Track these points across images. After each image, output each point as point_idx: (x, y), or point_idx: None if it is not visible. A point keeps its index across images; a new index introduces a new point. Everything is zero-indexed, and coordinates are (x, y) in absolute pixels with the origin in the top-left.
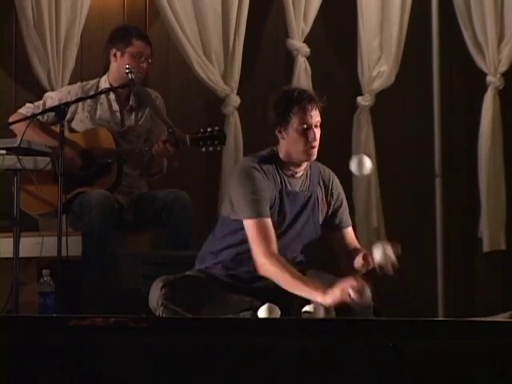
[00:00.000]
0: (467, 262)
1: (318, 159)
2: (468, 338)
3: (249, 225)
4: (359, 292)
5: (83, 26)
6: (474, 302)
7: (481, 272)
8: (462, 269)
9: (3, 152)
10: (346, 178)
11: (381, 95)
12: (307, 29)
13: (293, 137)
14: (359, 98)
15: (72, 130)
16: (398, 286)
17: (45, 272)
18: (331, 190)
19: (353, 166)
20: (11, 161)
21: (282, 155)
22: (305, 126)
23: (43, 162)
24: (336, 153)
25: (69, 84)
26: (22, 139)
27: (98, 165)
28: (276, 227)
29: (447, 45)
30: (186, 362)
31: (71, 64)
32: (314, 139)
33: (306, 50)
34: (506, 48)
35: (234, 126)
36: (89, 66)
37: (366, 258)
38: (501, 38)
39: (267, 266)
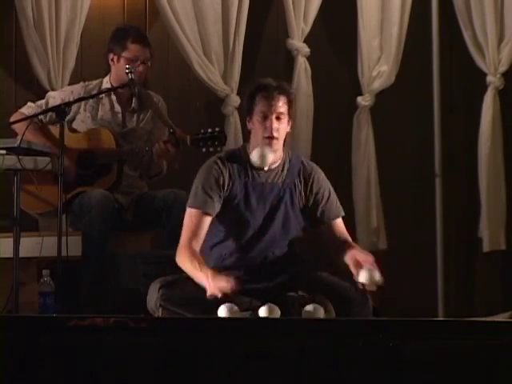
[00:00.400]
0: (467, 262)
1: (317, 159)
2: (468, 338)
3: (187, 213)
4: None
5: (83, 25)
6: (474, 302)
7: (481, 272)
8: (462, 269)
9: (3, 152)
10: (346, 178)
11: (381, 95)
12: (307, 29)
13: (255, 127)
14: (359, 98)
15: (73, 130)
16: (397, 286)
17: (45, 272)
18: (311, 184)
19: (255, 157)
20: (11, 161)
21: (250, 147)
22: (263, 115)
23: (43, 161)
24: (336, 153)
25: (69, 84)
26: (22, 139)
27: (99, 165)
28: (246, 219)
29: (447, 45)
30: (185, 362)
31: (71, 64)
32: (271, 129)
33: (305, 49)
34: (506, 48)
35: (234, 126)
36: (89, 66)
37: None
38: (501, 38)
39: (178, 256)
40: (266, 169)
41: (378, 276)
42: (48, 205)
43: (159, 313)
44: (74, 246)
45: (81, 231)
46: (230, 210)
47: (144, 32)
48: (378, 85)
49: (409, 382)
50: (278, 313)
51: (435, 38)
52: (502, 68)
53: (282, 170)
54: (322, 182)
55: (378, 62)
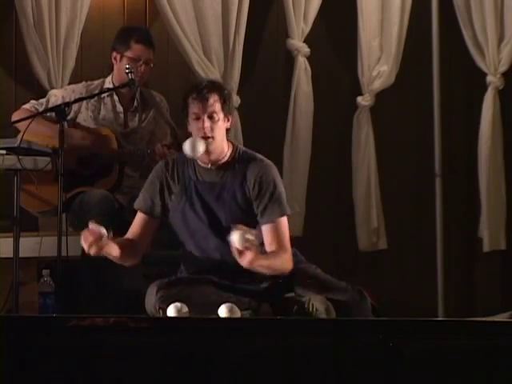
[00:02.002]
0: (467, 262)
1: (317, 159)
2: (468, 337)
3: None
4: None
5: (83, 25)
6: (474, 302)
7: (481, 272)
8: (462, 269)
9: (3, 152)
10: (346, 177)
11: (381, 95)
12: (307, 29)
13: (191, 127)
14: (359, 98)
15: (75, 126)
16: (397, 286)
17: (45, 272)
18: (254, 182)
19: (187, 147)
20: (11, 161)
21: None
22: (195, 116)
23: (43, 161)
24: (336, 153)
25: (69, 83)
26: (22, 139)
27: (100, 165)
28: (195, 219)
29: (447, 45)
30: (186, 362)
31: (71, 64)
32: (203, 129)
33: (305, 49)
34: (506, 48)
35: (234, 125)
36: (89, 65)
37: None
38: (501, 38)
39: None
40: (209, 167)
41: (251, 235)
42: (48, 204)
43: (158, 315)
44: (74, 246)
45: (81, 231)
46: (178, 211)
47: (150, 33)
48: (378, 85)
49: (409, 382)
50: (237, 313)
51: (435, 38)
52: (502, 68)
53: (227, 169)
54: (267, 182)
55: (378, 62)
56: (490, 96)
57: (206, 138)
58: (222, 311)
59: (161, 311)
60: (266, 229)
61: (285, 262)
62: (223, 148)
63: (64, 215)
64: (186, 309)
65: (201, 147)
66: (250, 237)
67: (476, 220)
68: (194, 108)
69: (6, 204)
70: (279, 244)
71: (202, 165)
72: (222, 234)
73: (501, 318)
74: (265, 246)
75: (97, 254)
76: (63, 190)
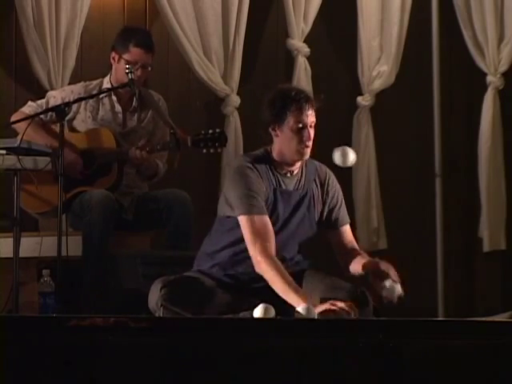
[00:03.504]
0: (467, 262)
1: (317, 159)
2: (468, 337)
3: (243, 221)
4: (348, 310)
5: (83, 25)
6: (474, 301)
7: (481, 272)
8: (462, 269)
9: (3, 152)
10: (347, 177)
11: (381, 95)
12: (307, 29)
13: (287, 136)
14: (359, 98)
15: (73, 130)
16: None
17: (45, 272)
18: (327, 187)
19: (336, 157)
20: (11, 161)
21: (275, 154)
22: (300, 125)
23: (43, 161)
24: None
25: (69, 84)
26: (22, 139)
27: (99, 164)
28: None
29: (447, 45)
30: (186, 362)
31: (71, 64)
32: (309, 139)
33: (305, 49)
34: (506, 48)
35: (234, 126)
36: (89, 66)
37: (374, 268)
38: (501, 38)
39: (263, 265)
40: (289, 175)
41: (400, 289)
42: (48, 205)
43: (160, 312)
44: (74, 245)
45: (81, 231)
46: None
47: (150, 36)
48: (378, 85)
49: (409, 382)
50: (272, 313)
51: (435, 38)
52: (502, 68)
53: (301, 176)
54: (336, 186)
55: (378, 62)
56: (490, 96)
57: (308, 147)
58: (258, 312)
59: (162, 309)
60: (345, 229)
61: None
62: None
63: (64, 215)
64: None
65: (353, 156)
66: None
67: (476, 220)
68: (297, 117)
69: (5, 204)
70: (356, 245)
71: (282, 172)
72: (283, 238)
73: (501, 317)
74: (345, 244)
75: None
76: (63, 190)
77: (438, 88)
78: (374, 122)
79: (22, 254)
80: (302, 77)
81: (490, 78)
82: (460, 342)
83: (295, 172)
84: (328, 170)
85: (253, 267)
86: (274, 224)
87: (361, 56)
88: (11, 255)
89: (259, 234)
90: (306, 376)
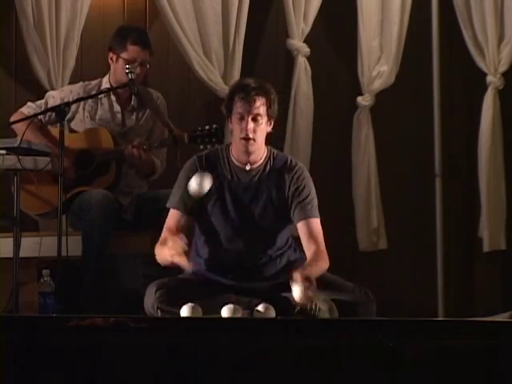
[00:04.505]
0: (467, 262)
1: (317, 159)
2: (468, 337)
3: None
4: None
5: (83, 25)
6: (474, 302)
7: (481, 272)
8: (462, 269)
9: (3, 152)
10: (346, 177)
11: (381, 95)
12: (307, 29)
13: (234, 127)
14: (359, 98)
15: (72, 130)
16: (397, 286)
17: (45, 272)
18: (292, 181)
19: (192, 185)
20: (11, 161)
21: (231, 147)
22: (240, 116)
23: (43, 161)
24: (336, 153)
25: (69, 84)
26: (22, 139)
27: (97, 164)
28: (226, 219)
29: (447, 45)
30: (185, 362)
31: (71, 64)
32: (247, 130)
33: (305, 49)
34: (506, 48)
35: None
36: (89, 66)
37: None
38: (501, 38)
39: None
40: (247, 168)
41: (302, 293)
42: (48, 205)
43: (157, 315)
44: (74, 245)
45: (81, 231)
46: (211, 210)
47: (146, 34)
48: (378, 85)
49: (409, 382)
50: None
51: (435, 38)
52: (502, 68)
53: (264, 170)
54: (304, 181)
55: (378, 62)
56: (489, 96)
57: (247, 139)
58: (225, 312)
59: (159, 311)
60: (302, 225)
61: (324, 263)
62: (262, 150)
63: (64, 215)
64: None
65: (207, 183)
66: (310, 294)
67: (476, 220)
68: (239, 108)
69: (5, 204)
70: (316, 242)
71: (239, 165)
72: (252, 235)
73: (501, 317)
74: (302, 244)
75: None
76: (63, 190)
77: (438, 88)
78: (374, 122)
79: (22, 254)
80: (302, 77)
81: (490, 78)
82: (460, 342)
83: (256, 165)
84: (299, 166)
85: (233, 266)
86: (225, 213)
87: (361, 56)
88: (11, 255)
89: (166, 227)
90: (306, 376)
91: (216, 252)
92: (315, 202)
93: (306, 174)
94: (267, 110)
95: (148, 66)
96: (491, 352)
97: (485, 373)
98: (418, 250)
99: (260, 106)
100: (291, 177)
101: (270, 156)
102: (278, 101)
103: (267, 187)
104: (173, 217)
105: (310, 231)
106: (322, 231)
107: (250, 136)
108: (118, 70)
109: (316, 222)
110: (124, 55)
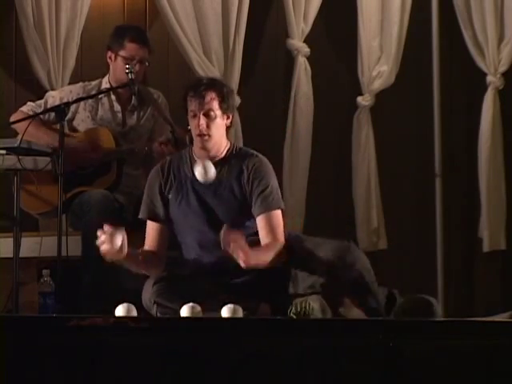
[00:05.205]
0: (467, 262)
1: (317, 159)
2: (468, 338)
3: None
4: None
5: (83, 25)
6: (474, 301)
7: (481, 272)
8: (462, 269)
9: (3, 152)
10: (346, 177)
11: (381, 95)
12: (307, 29)
13: (190, 124)
14: (359, 98)
15: (73, 130)
16: (398, 286)
17: (45, 272)
18: (250, 175)
19: (197, 173)
20: (11, 161)
21: (193, 145)
22: (192, 113)
23: (43, 161)
24: (336, 153)
25: (69, 84)
26: (21, 139)
27: (98, 164)
28: (192, 216)
29: (447, 45)
30: (186, 362)
31: (71, 64)
32: (198, 127)
33: (305, 49)
34: (506, 48)
35: (234, 125)
36: (89, 66)
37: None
38: (501, 38)
39: None
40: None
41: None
42: (48, 205)
43: (153, 309)
44: (74, 245)
45: (81, 231)
46: (175, 209)
47: (144, 31)
48: (378, 85)
49: (409, 382)
50: (240, 313)
51: (435, 38)
52: (502, 68)
53: (224, 165)
54: (261, 174)
55: (378, 62)
56: (489, 96)
57: (201, 135)
58: (225, 312)
59: (155, 305)
60: (260, 220)
61: (266, 254)
62: (221, 145)
63: (64, 215)
64: (198, 308)
65: (211, 169)
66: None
67: (476, 220)
68: (191, 106)
69: (5, 204)
70: (273, 236)
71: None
72: (220, 229)
73: (501, 318)
74: (260, 238)
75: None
76: (63, 190)
77: (438, 88)
78: (374, 122)
79: (22, 254)
80: (302, 77)
81: (490, 78)
82: (460, 342)
83: (216, 160)
84: (259, 158)
85: (212, 260)
86: (192, 212)
87: (361, 56)
88: (11, 255)
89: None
90: (306, 376)
91: (194, 251)
92: (276, 194)
93: (266, 165)
94: (220, 104)
95: (147, 63)
96: (491, 352)
97: (485, 373)
98: (418, 250)
99: (211, 100)
100: (249, 168)
101: (231, 150)
102: (233, 95)
103: (228, 181)
104: (148, 229)
105: (268, 225)
106: (281, 223)
107: (204, 132)
108: (117, 68)
109: (276, 215)
110: (122, 53)
